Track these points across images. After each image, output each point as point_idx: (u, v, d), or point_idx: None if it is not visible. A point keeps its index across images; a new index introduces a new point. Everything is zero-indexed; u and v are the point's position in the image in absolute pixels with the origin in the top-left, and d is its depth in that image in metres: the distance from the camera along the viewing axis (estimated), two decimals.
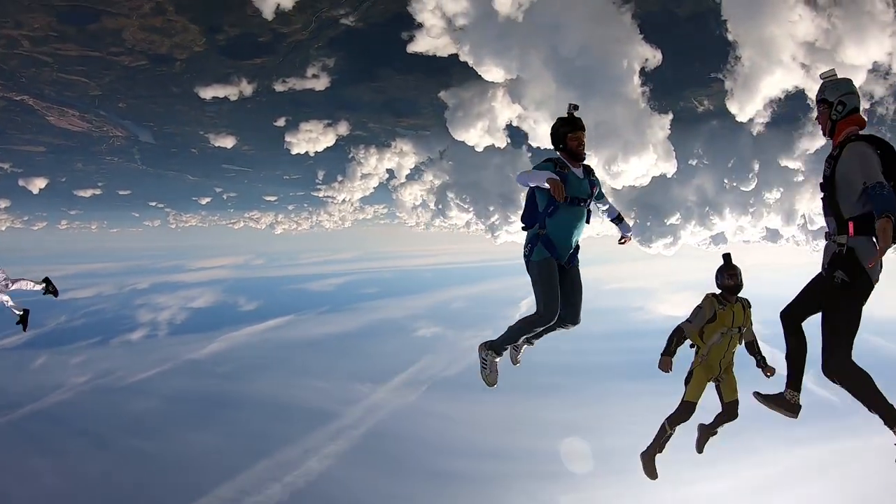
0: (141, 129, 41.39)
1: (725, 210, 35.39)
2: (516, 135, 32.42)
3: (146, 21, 28.52)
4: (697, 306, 5.47)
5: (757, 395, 3.93)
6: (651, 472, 5.76)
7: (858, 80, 28.10)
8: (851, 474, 43.59)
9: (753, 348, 5.65)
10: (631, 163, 28.59)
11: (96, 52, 31.06)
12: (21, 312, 7.90)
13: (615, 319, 62.29)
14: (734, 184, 34.31)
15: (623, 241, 5.13)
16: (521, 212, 4.97)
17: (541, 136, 31.68)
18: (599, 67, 27.73)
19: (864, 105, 29.56)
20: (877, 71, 26.75)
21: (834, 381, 3.38)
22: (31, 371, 49.69)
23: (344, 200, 50.22)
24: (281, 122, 38.32)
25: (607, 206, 4.96)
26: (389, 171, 43.63)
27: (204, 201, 54.56)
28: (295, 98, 35.58)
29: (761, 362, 5.54)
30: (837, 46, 26.28)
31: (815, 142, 30.30)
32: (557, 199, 4.10)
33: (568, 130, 4.48)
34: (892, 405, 3.32)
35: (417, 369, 54.68)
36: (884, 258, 3.11)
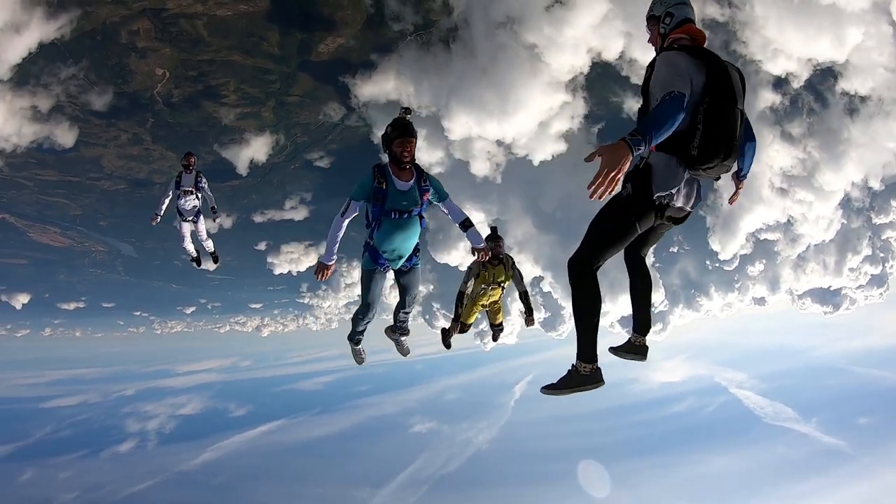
0: (122, 244, 41.05)
1: (711, 289, 35.29)
2: None
3: (124, 150, 28.68)
4: (468, 268, 7.06)
5: (610, 349, 3.65)
6: (447, 344, 7.74)
7: (833, 202, 27.71)
8: None
9: (522, 299, 7.15)
10: (619, 302, 28.37)
11: (75, 178, 31.12)
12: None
13: (613, 395, 58.43)
14: (717, 264, 33.90)
15: (476, 254, 4.66)
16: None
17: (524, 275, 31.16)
18: (579, 218, 28.50)
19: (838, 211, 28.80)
20: (855, 185, 27.83)
21: (568, 272, 3.13)
22: (18, 486, 46.22)
23: (330, 305, 49.25)
24: (262, 247, 38.33)
25: (448, 210, 4.53)
26: None
27: (189, 310, 53.44)
28: (275, 225, 35.72)
29: (526, 311, 7.10)
30: (815, 172, 26.10)
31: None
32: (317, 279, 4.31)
33: (395, 136, 4.11)
34: (594, 340, 3.04)
35: (416, 468, 51.38)
36: None
